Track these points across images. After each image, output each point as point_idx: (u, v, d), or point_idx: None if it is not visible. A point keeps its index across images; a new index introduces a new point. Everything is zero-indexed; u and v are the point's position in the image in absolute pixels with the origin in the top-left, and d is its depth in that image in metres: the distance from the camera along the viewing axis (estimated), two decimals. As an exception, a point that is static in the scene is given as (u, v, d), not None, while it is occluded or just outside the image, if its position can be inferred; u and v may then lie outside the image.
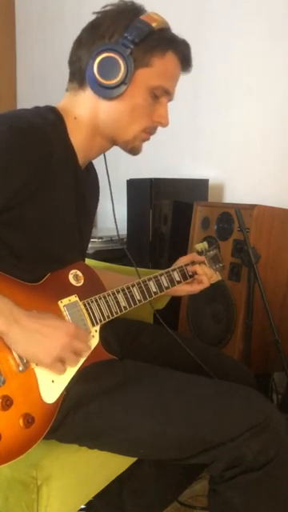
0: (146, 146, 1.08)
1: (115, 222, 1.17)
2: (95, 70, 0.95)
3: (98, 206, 1.25)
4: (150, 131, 1.05)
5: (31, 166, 0.89)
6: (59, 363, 0.91)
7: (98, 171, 1.21)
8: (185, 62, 1.03)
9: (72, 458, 1.00)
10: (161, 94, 1.01)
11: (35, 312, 0.90)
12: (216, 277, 1.27)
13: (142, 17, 0.96)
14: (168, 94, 1.03)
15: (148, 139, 1.06)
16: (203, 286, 1.24)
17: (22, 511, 0.93)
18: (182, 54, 1.02)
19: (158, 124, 1.05)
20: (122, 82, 0.95)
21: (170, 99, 1.05)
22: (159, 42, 0.97)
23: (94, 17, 0.99)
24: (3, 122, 0.89)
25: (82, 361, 0.97)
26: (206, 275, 1.22)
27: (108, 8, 0.99)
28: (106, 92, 0.97)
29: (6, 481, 0.95)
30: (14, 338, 0.86)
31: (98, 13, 0.99)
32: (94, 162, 1.15)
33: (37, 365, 0.91)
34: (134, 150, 1.06)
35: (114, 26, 0.96)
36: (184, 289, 1.24)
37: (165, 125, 1.05)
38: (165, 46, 0.98)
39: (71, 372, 0.96)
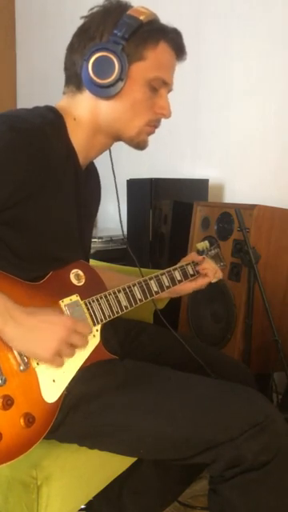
0: (146, 145, 1.08)
1: (120, 221, 1.17)
2: (90, 71, 0.95)
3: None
4: (154, 124, 1.04)
5: (29, 167, 0.89)
6: (58, 357, 0.91)
7: (99, 171, 1.20)
8: (178, 50, 1.02)
9: (72, 457, 1.00)
10: (159, 86, 1.01)
11: (32, 308, 0.89)
12: (219, 274, 1.28)
13: (129, 12, 0.96)
14: (166, 84, 1.02)
15: (153, 132, 1.06)
16: (209, 280, 1.23)
17: (22, 511, 0.93)
18: (174, 42, 1.01)
19: (160, 116, 1.04)
20: (119, 79, 0.95)
21: (170, 90, 1.05)
22: (149, 33, 0.97)
23: (82, 21, 0.99)
24: (3, 122, 0.89)
25: (83, 358, 0.98)
26: (212, 270, 1.23)
27: (95, 10, 0.99)
28: (103, 91, 0.96)
29: (6, 481, 0.94)
30: (11, 335, 0.85)
31: (85, 17, 0.99)
32: (96, 162, 1.15)
33: (38, 364, 0.91)
34: (140, 145, 1.05)
35: (102, 25, 0.96)
36: (189, 286, 1.23)
37: (167, 116, 1.04)
38: (156, 36, 0.98)
39: (72, 371, 0.96)
